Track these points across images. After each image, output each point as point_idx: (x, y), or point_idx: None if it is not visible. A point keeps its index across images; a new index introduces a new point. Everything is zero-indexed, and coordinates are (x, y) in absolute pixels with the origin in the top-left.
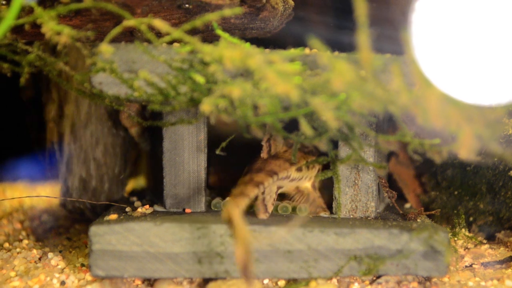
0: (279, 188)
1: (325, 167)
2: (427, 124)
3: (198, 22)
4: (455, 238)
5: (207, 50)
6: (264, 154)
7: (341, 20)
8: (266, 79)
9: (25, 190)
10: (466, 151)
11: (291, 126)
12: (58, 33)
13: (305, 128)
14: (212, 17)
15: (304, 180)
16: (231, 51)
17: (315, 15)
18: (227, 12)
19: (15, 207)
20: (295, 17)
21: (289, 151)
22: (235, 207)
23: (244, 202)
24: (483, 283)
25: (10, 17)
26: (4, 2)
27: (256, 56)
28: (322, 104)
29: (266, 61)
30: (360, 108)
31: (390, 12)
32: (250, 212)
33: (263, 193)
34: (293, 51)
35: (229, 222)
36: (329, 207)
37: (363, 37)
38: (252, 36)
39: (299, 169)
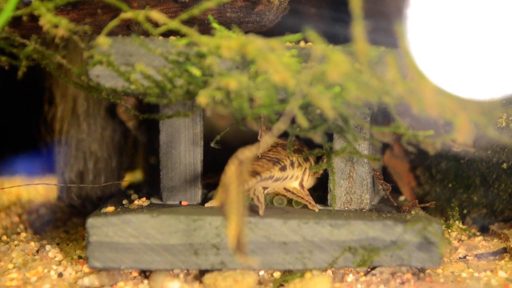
0: (264, 188)
1: (316, 163)
2: (423, 113)
3: (196, 11)
4: (449, 230)
5: (204, 41)
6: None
7: (336, 13)
8: (268, 62)
9: (23, 184)
10: (463, 137)
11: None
12: (56, 26)
13: (301, 119)
14: (209, 5)
15: (290, 180)
16: (229, 40)
17: (310, 8)
18: None
19: (13, 201)
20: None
21: (273, 150)
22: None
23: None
24: (476, 274)
25: (9, 9)
26: None
27: (256, 41)
28: (318, 94)
29: (267, 46)
30: (355, 100)
31: (385, 5)
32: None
33: (254, 193)
34: (290, 37)
35: (225, 192)
36: (323, 201)
37: (359, 28)
38: (248, 30)
39: (283, 169)
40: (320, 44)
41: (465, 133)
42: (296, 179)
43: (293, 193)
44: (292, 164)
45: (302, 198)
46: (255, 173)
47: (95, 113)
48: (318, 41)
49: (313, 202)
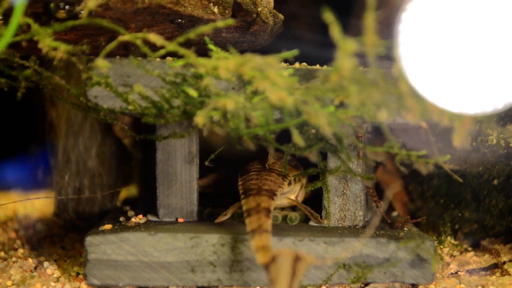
0: None
1: (310, 180)
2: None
3: (192, 34)
4: (441, 246)
5: (201, 62)
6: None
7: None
8: (266, 79)
9: (18, 199)
10: (461, 139)
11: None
12: (54, 49)
13: (297, 138)
14: (205, 29)
15: (289, 194)
16: (226, 61)
17: (305, 31)
18: (220, 23)
19: (9, 216)
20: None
21: (278, 163)
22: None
23: (270, 240)
24: None
25: (8, 35)
26: (0, 18)
27: (254, 59)
28: (315, 112)
29: (264, 63)
30: (351, 120)
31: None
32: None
33: None
34: (286, 54)
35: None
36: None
37: (370, 19)
38: (243, 49)
39: (289, 183)
40: (337, 30)
41: (464, 135)
42: (294, 193)
43: (298, 202)
44: (294, 179)
45: (305, 208)
46: (272, 194)
47: (92, 129)
48: (335, 28)
49: (315, 214)
